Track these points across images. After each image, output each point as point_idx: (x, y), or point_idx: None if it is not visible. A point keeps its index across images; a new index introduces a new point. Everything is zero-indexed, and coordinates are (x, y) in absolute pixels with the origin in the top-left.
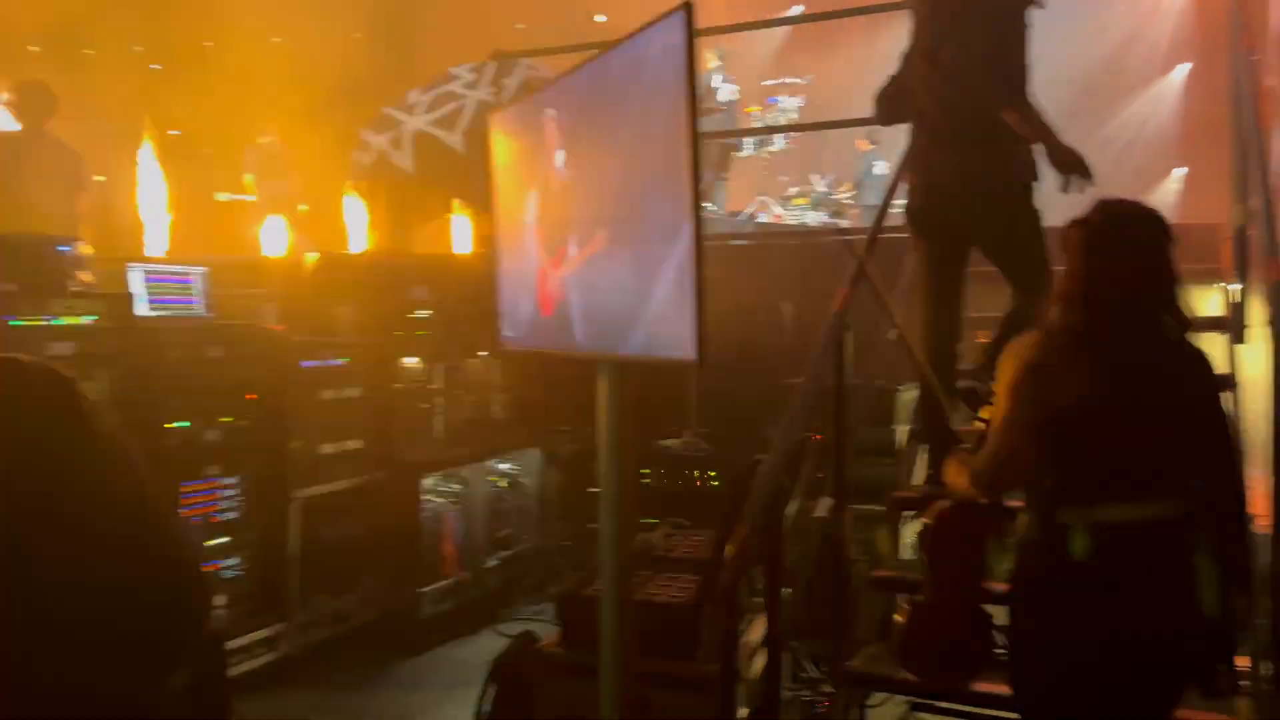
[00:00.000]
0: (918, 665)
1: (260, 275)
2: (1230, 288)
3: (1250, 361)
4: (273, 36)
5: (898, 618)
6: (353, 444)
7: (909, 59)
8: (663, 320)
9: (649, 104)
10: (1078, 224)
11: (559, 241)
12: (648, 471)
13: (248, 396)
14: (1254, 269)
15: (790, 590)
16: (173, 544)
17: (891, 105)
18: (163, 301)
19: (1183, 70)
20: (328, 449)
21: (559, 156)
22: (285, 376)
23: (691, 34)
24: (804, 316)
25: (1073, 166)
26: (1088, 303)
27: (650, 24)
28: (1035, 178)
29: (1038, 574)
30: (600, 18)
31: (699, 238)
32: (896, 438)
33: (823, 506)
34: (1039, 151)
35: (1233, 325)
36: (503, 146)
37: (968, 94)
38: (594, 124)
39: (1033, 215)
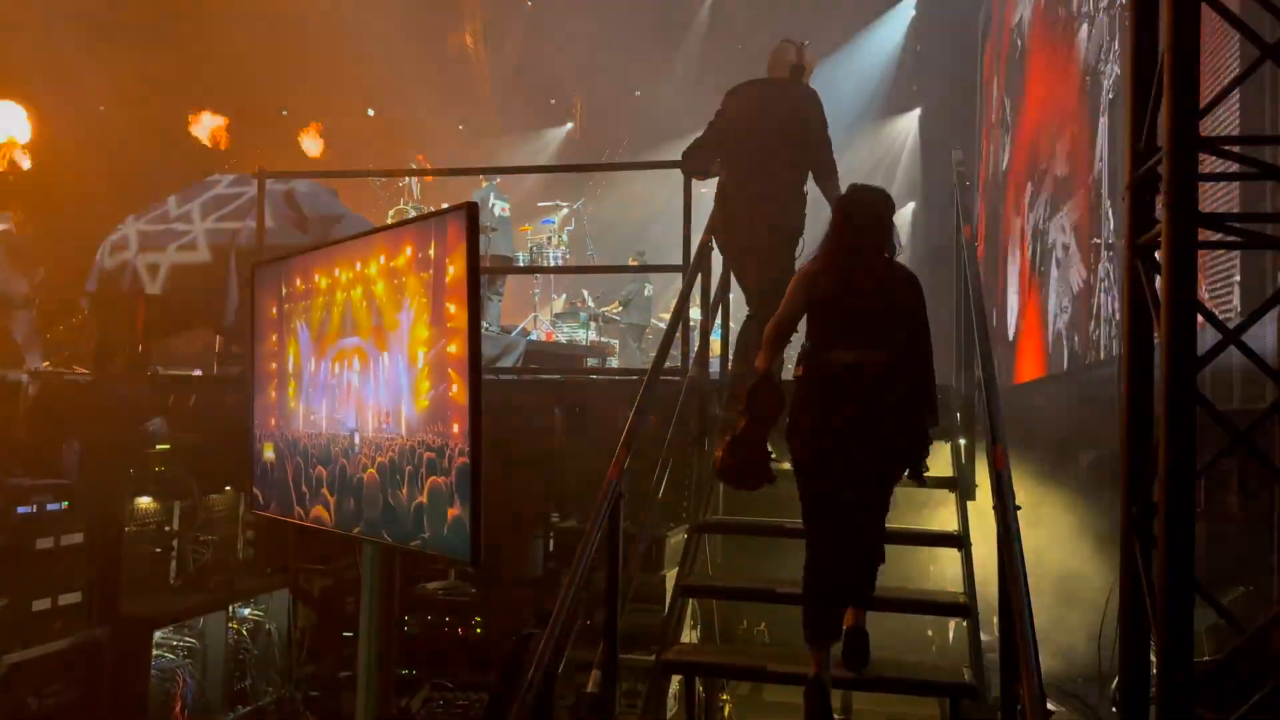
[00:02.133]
0: (732, 478)
1: None
2: (960, 443)
3: (979, 520)
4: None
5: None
6: (71, 598)
7: (718, 131)
8: (439, 517)
9: (432, 302)
10: (838, 198)
11: (335, 429)
12: (408, 619)
13: None
14: (978, 431)
15: None
16: None
17: (698, 164)
18: None
19: (909, 206)
20: (41, 605)
21: (343, 344)
22: None
23: (475, 233)
24: (575, 427)
25: None
26: (837, 238)
27: (435, 214)
28: (802, 231)
29: (807, 386)
30: (370, 112)
31: (478, 457)
32: (666, 584)
33: (593, 680)
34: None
35: (962, 483)
36: (271, 303)
37: (774, 177)
38: (372, 317)
39: (790, 257)
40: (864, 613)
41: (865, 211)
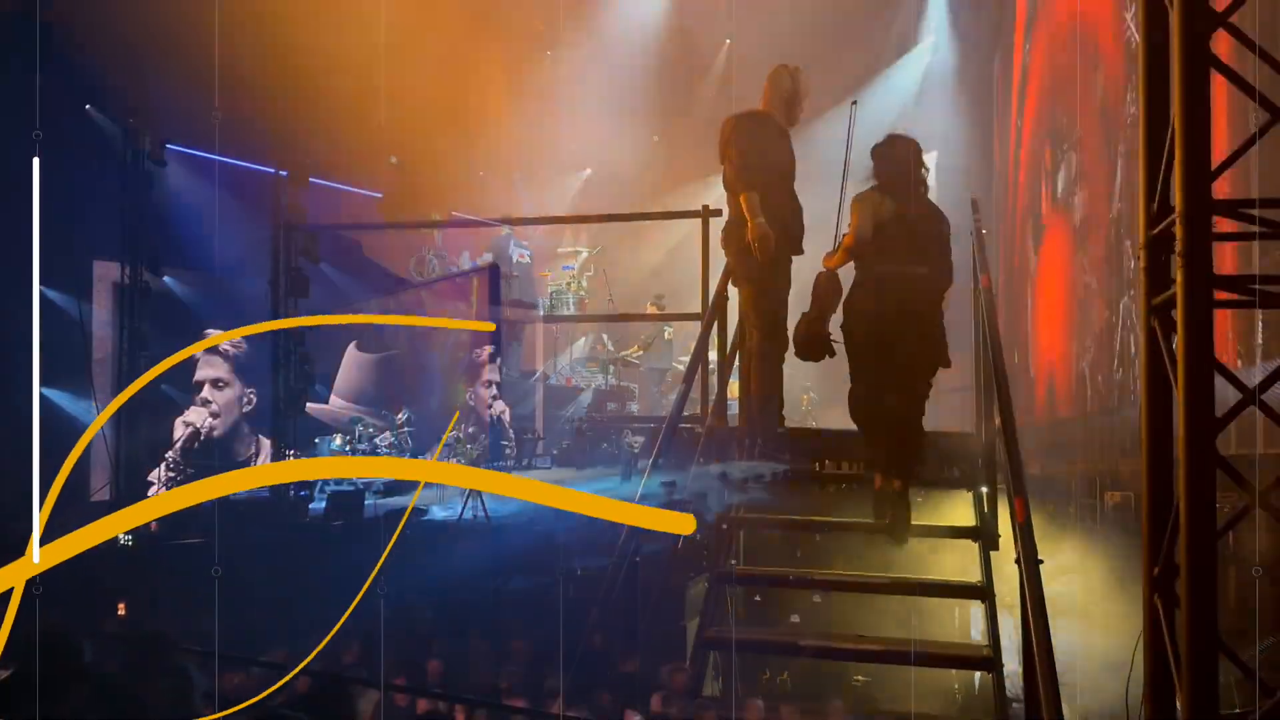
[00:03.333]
0: (800, 351)
1: None
2: (982, 491)
3: (1002, 570)
4: None
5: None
6: None
7: None
8: None
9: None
10: (879, 148)
11: None
12: None
13: None
14: (1000, 478)
15: None
16: None
17: None
18: None
19: None
20: None
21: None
22: None
23: (498, 291)
24: None
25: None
26: (885, 175)
27: (462, 274)
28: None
29: (860, 288)
30: (393, 159)
31: None
32: (686, 634)
33: None
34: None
35: (985, 534)
36: None
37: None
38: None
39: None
40: (905, 481)
41: (902, 156)
